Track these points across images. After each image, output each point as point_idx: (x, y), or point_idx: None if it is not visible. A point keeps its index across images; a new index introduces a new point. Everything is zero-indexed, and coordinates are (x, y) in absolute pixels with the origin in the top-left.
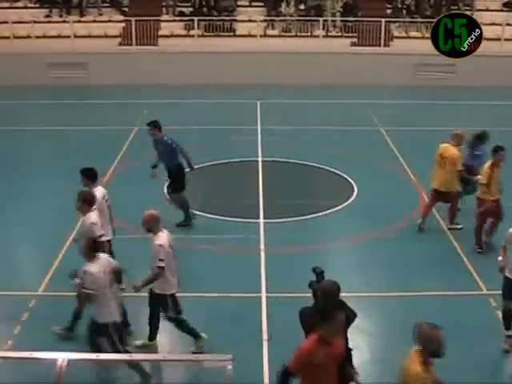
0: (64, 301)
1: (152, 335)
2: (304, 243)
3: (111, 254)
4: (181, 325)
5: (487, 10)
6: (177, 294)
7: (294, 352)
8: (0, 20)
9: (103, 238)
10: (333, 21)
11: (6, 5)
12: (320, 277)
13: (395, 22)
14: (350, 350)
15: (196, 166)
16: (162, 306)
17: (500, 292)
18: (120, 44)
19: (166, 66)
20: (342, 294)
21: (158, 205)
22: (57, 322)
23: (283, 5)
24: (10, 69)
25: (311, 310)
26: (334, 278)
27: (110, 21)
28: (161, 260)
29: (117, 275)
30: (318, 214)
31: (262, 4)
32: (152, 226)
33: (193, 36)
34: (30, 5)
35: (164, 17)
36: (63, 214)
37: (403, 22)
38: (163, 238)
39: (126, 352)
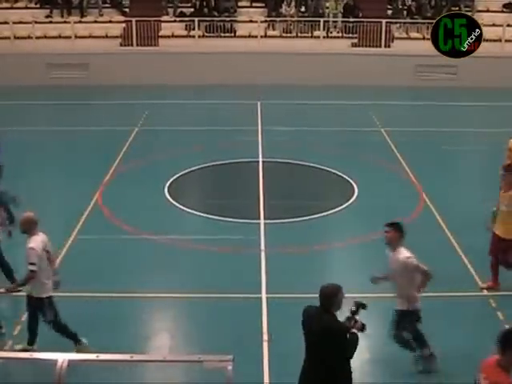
0: (63, 301)
1: (32, 339)
2: (304, 244)
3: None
4: (59, 328)
5: (487, 10)
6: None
7: None
8: (0, 20)
9: None
10: (334, 21)
11: (7, 5)
12: (360, 308)
13: (396, 22)
14: None
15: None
16: (39, 309)
17: (500, 293)
18: (121, 44)
19: (166, 66)
20: None
21: (156, 205)
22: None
23: (284, 5)
24: (11, 69)
25: (315, 310)
26: (334, 279)
27: (110, 21)
28: (32, 264)
29: None
30: (318, 215)
31: (262, 5)
32: (27, 228)
33: (193, 37)
34: (30, 5)
35: (164, 17)
36: (63, 215)
37: (404, 22)
38: (37, 241)
39: None
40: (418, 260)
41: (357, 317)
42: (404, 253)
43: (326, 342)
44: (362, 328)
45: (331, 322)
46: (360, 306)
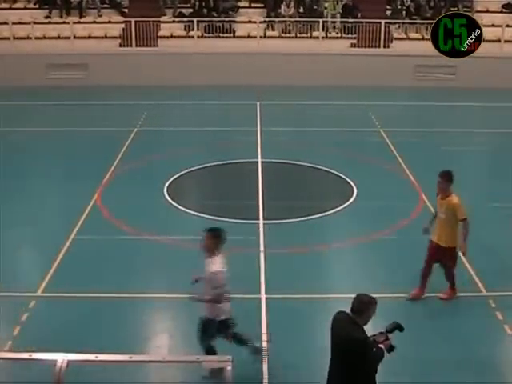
0: (63, 302)
1: None
2: (303, 244)
3: None
4: None
5: (487, 11)
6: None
7: None
8: (0, 21)
9: None
10: (332, 22)
11: (6, 6)
12: (397, 329)
13: (395, 23)
14: None
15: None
16: None
17: (500, 294)
18: (120, 45)
19: (165, 67)
20: (341, 296)
21: (156, 206)
22: (56, 323)
23: (283, 6)
24: (10, 70)
25: (343, 317)
26: (334, 279)
27: (109, 22)
28: None
29: None
30: (317, 215)
31: (261, 5)
32: None
33: (192, 37)
34: (29, 6)
35: (164, 18)
36: (62, 215)
37: (403, 23)
38: None
39: None
40: (224, 278)
41: (390, 335)
42: (216, 265)
43: (348, 352)
44: (390, 349)
45: (356, 332)
46: (398, 327)
